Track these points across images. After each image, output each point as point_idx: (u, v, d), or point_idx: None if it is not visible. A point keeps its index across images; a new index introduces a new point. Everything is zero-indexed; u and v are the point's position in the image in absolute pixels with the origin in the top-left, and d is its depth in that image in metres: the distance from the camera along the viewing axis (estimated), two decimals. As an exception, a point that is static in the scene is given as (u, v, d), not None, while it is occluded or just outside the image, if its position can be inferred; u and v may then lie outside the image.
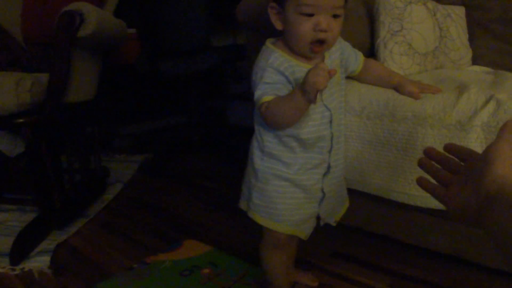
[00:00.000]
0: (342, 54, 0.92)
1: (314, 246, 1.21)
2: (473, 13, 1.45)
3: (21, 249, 1.29)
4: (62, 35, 1.29)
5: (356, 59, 0.96)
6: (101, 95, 1.63)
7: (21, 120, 1.25)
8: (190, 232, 1.43)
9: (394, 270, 1.16)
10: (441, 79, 1.09)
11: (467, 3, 1.46)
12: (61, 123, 1.47)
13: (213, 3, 2.47)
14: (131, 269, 1.21)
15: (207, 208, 1.62)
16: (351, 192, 1.06)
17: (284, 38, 0.84)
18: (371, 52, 1.25)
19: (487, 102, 0.90)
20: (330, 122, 0.87)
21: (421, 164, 0.62)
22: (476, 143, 0.90)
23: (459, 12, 1.38)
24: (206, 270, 1.19)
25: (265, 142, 0.87)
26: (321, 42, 0.79)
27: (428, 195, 0.59)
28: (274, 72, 0.81)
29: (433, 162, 0.61)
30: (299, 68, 0.82)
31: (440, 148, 0.61)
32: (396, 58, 1.18)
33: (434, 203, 0.94)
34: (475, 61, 1.39)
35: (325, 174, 0.91)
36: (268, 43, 0.87)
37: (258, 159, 0.89)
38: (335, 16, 0.78)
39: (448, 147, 0.60)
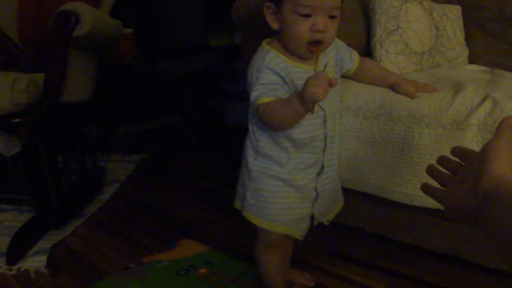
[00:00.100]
0: (337, 54, 0.92)
1: (311, 246, 1.21)
2: (469, 12, 1.45)
3: (17, 249, 1.29)
4: (57, 35, 1.29)
5: (351, 58, 0.96)
6: (98, 95, 1.63)
7: (17, 120, 1.24)
8: (187, 232, 1.43)
9: (392, 270, 1.16)
10: (438, 78, 1.09)
11: (464, 2, 1.46)
12: (57, 123, 1.47)
13: (210, 3, 2.47)
14: (127, 269, 1.21)
15: (204, 208, 1.62)
16: (348, 191, 1.06)
17: (280, 38, 0.83)
18: (367, 51, 1.25)
19: (483, 101, 0.90)
20: (324, 122, 0.87)
21: (429, 171, 0.61)
22: (472, 142, 0.90)
23: (455, 11, 1.39)
24: (202, 270, 1.19)
25: (259, 142, 0.87)
26: (317, 42, 0.79)
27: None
28: (270, 72, 0.81)
29: (440, 168, 0.59)
30: (295, 68, 0.82)
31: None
32: (392, 57, 1.18)
33: (431, 202, 0.93)
34: (471, 60, 1.39)
35: (318, 174, 0.91)
36: (264, 43, 0.87)
37: (252, 159, 0.89)
38: (331, 17, 0.78)
39: (455, 151, 0.59)
